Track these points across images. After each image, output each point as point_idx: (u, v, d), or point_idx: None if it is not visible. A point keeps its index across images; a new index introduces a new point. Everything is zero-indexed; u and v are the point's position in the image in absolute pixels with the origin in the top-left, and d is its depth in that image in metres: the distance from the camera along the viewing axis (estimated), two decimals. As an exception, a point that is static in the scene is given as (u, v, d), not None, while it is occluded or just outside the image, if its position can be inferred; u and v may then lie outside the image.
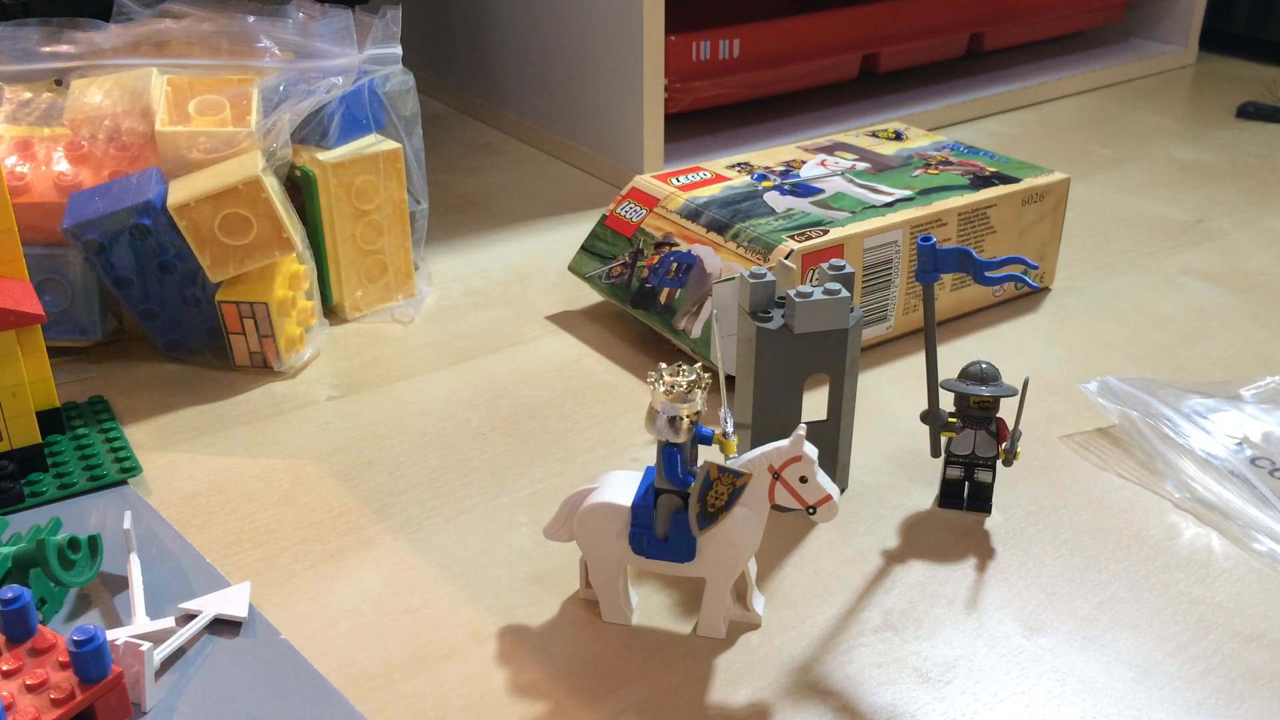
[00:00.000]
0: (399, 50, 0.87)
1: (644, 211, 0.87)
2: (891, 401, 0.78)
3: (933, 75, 1.44)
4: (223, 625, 0.58)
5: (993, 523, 0.66)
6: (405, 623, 0.59)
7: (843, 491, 0.69)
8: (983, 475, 0.66)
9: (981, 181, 0.89)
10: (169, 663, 0.55)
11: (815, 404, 0.76)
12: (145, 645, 0.52)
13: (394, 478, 0.70)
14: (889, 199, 0.85)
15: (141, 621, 0.57)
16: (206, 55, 0.85)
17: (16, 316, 0.65)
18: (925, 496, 0.69)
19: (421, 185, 0.92)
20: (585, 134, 1.20)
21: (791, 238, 0.78)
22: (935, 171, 0.91)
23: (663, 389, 0.53)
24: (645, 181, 0.89)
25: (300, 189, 0.85)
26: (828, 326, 0.63)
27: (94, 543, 0.60)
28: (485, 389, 0.80)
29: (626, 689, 0.55)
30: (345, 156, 0.84)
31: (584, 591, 0.60)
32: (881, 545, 0.64)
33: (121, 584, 0.60)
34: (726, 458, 0.55)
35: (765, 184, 0.88)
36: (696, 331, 0.79)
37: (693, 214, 0.84)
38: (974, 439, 0.65)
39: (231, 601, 0.58)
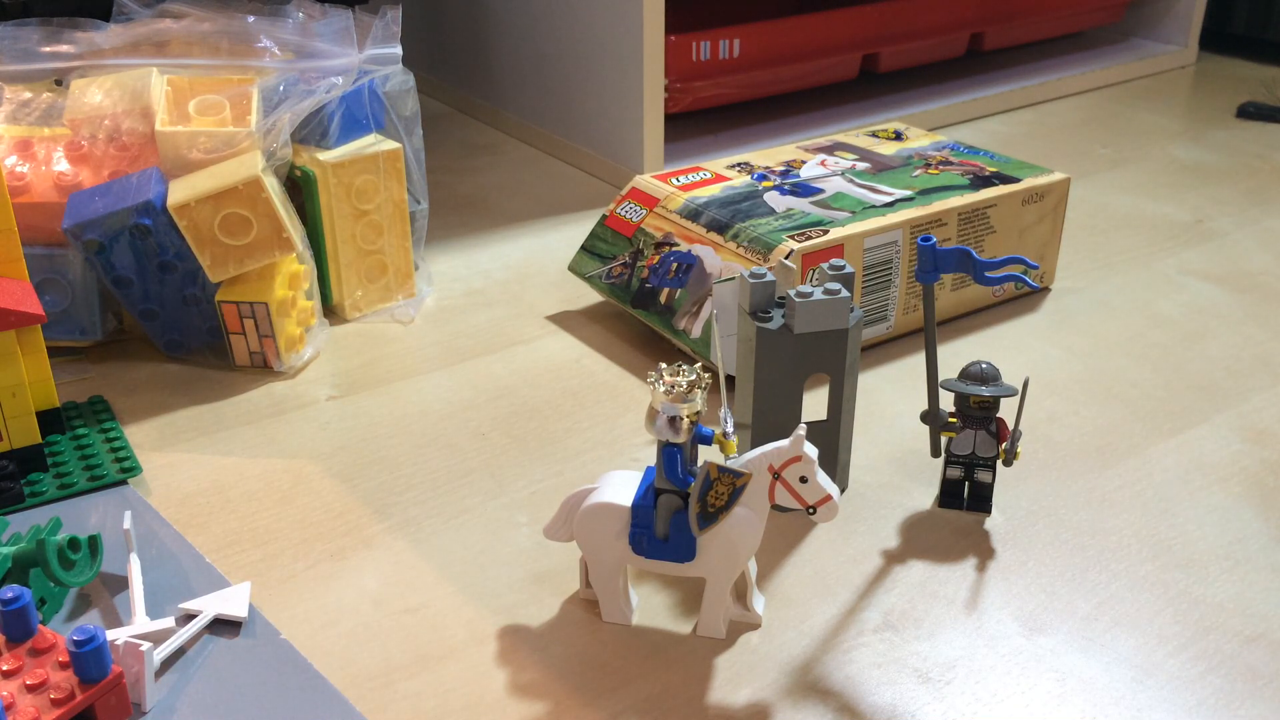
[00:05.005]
0: (399, 50, 0.87)
1: (644, 211, 0.87)
2: (891, 401, 0.78)
3: (933, 75, 1.44)
4: (223, 625, 0.58)
5: (993, 523, 0.66)
6: (405, 623, 0.59)
7: (843, 491, 0.69)
8: (983, 475, 0.66)
9: (981, 181, 0.89)
10: (169, 663, 0.55)
11: (815, 404, 0.76)
12: (145, 645, 0.52)
13: (394, 478, 0.70)
14: (889, 199, 0.85)
15: (141, 621, 0.57)
16: (206, 55, 0.85)
17: (16, 316, 0.65)
18: (925, 496, 0.69)
19: (421, 185, 0.92)
20: (585, 134, 1.20)
21: (791, 238, 0.78)
22: (935, 171, 0.91)
23: (663, 389, 0.53)
24: (645, 181, 0.89)
25: (300, 189, 0.85)
26: (828, 326, 0.63)
27: (94, 543, 0.60)
28: (485, 389, 0.80)
29: (626, 689, 0.55)
30: (345, 156, 0.84)
31: (584, 591, 0.60)
32: (881, 545, 0.64)
33: (121, 584, 0.60)
34: (726, 458, 0.55)
35: (765, 184, 0.88)
36: (696, 331, 0.79)
37: (693, 214, 0.84)
38: (974, 439, 0.65)
39: (231, 601, 0.58)
